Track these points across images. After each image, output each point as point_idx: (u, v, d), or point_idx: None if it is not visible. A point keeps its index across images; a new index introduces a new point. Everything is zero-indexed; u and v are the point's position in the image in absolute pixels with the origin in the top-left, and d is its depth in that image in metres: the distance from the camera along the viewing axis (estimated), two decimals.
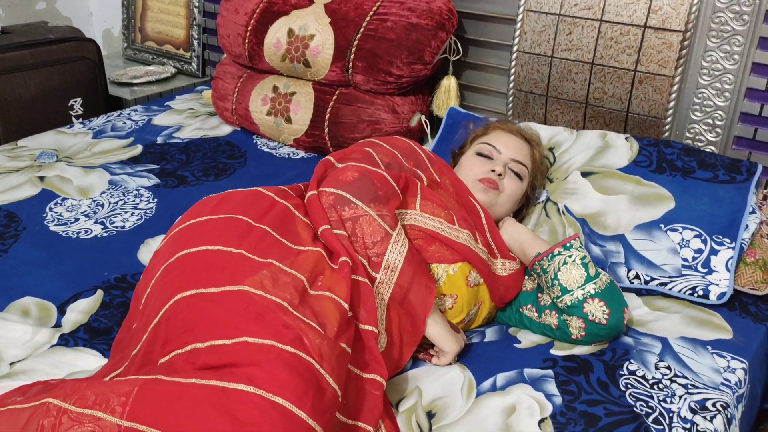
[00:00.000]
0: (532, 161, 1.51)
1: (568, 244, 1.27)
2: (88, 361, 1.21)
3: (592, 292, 1.23)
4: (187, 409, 0.90)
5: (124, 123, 2.22)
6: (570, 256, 1.26)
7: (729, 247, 1.43)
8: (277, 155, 2.08)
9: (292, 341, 0.97)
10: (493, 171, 1.42)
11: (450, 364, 1.22)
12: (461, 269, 1.28)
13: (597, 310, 1.22)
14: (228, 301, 1.03)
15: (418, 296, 1.19)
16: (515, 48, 1.90)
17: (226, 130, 2.22)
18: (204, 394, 0.91)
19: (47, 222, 1.64)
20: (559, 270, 1.25)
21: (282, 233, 1.18)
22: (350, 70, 1.96)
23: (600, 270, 1.27)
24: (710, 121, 1.73)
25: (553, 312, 1.28)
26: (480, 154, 1.47)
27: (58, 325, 1.30)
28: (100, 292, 1.39)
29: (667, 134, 1.76)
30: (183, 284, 1.07)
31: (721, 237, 1.44)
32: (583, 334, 1.23)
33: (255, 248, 1.13)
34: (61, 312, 1.33)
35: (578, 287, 1.23)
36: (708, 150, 1.73)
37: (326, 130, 2.02)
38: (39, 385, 1.11)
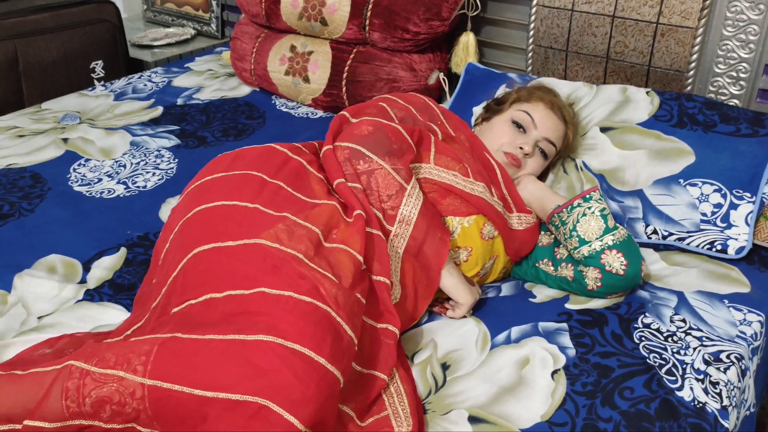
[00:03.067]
0: (563, 142, 1.48)
1: (587, 196, 1.27)
2: (113, 316, 1.24)
3: (611, 243, 1.23)
4: (207, 363, 0.92)
5: (145, 85, 2.24)
6: (589, 208, 1.26)
7: (749, 202, 1.41)
8: (296, 115, 2.09)
9: (308, 291, 0.99)
10: (521, 149, 1.39)
11: (465, 316, 1.24)
12: (476, 222, 1.29)
13: (614, 261, 1.22)
14: (245, 254, 1.05)
15: (432, 248, 1.20)
16: (534, 2, 1.86)
17: (245, 90, 2.23)
18: (223, 346, 0.93)
19: (71, 182, 1.67)
20: (578, 221, 1.25)
21: (296, 188, 1.20)
22: (367, 28, 1.95)
23: (618, 224, 1.27)
24: (734, 73, 1.69)
25: (569, 264, 1.29)
26: (515, 123, 1.42)
27: (83, 281, 1.34)
28: (123, 250, 1.43)
29: (689, 88, 1.73)
30: (200, 238, 1.09)
31: (741, 191, 1.42)
32: (599, 285, 1.24)
33: (270, 203, 1.14)
34: (86, 269, 1.37)
35: (596, 238, 1.23)
36: (731, 103, 1.70)
37: (344, 89, 2.01)
38: (66, 337, 1.15)
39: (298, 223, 1.12)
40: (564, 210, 1.28)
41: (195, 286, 1.04)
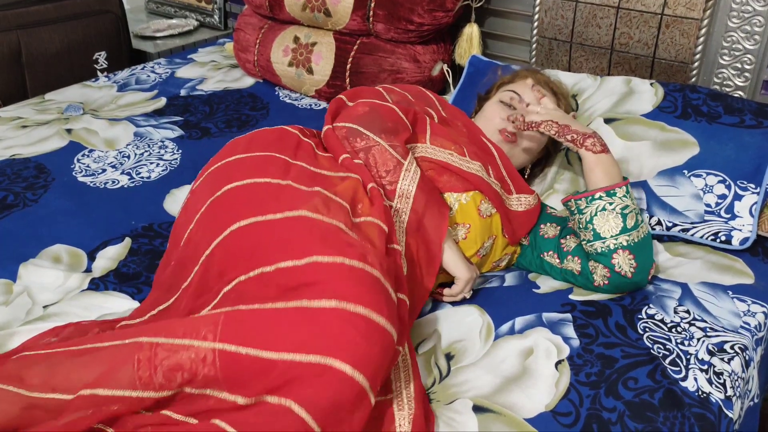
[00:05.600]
0: None
1: (612, 191, 1.24)
2: (118, 304, 1.25)
3: (624, 243, 1.22)
4: (275, 327, 0.93)
5: (148, 76, 2.24)
6: (611, 204, 1.24)
7: (753, 193, 1.41)
8: (299, 106, 2.09)
9: (358, 257, 0.99)
10: (513, 123, 1.41)
11: (464, 296, 1.24)
12: (473, 198, 1.30)
13: (625, 263, 1.21)
14: (291, 225, 1.05)
15: (432, 222, 1.21)
16: None
17: (248, 82, 2.23)
18: (290, 312, 0.94)
19: (75, 173, 1.67)
20: (595, 215, 1.24)
21: (314, 167, 1.22)
22: (371, 19, 1.94)
23: (641, 221, 1.25)
24: (739, 65, 1.68)
25: (576, 258, 1.28)
26: (503, 103, 1.46)
27: (88, 270, 1.34)
28: (128, 240, 1.43)
29: (694, 80, 1.73)
30: (236, 215, 1.09)
31: (745, 182, 1.42)
32: (605, 282, 1.24)
33: (299, 180, 1.16)
34: (91, 258, 1.37)
35: (611, 236, 1.22)
36: (736, 95, 1.69)
37: (347, 80, 2.01)
38: (71, 326, 1.16)
39: (330, 197, 1.13)
40: (583, 199, 1.26)
41: (241, 262, 1.04)
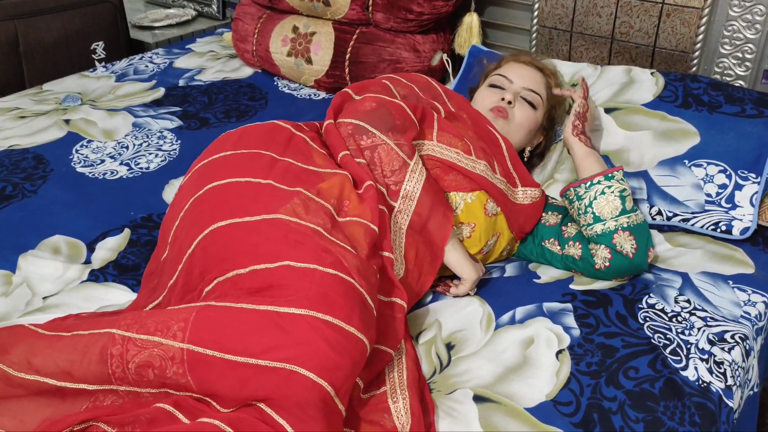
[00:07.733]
0: (546, 89, 1.48)
1: (610, 175, 1.27)
2: (117, 296, 1.25)
3: (625, 225, 1.23)
4: (243, 331, 0.93)
5: (146, 66, 2.22)
6: (609, 187, 1.26)
7: (754, 182, 1.41)
8: (299, 96, 2.08)
9: (332, 264, 1.00)
10: (503, 99, 1.41)
11: (468, 294, 1.24)
12: (479, 198, 1.29)
13: (626, 243, 1.22)
14: (266, 229, 1.05)
15: (436, 224, 1.21)
16: None
17: (247, 72, 2.22)
18: (258, 317, 0.94)
19: (74, 164, 1.67)
20: (595, 199, 1.26)
21: (303, 163, 1.20)
22: (370, 8, 1.93)
23: (636, 206, 1.28)
24: (740, 54, 1.68)
25: (577, 243, 1.29)
26: (492, 86, 1.46)
27: (87, 261, 1.34)
28: (127, 231, 1.43)
29: (694, 69, 1.72)
30: (216, 215, 1.09)
31: (746, 172, 1.42)
32: (607, 264, 1.24)
33: (282, 179, 1.15)
34: (90, 249, 1.37)
35: (611, 218, 1.24)
36: (737, 84, 1.69)
37: (347, 70, 2.00)
38: (71, 318, 1.15)
39: (312, 198, 1.12)
40: (582, 185, 1.28)
41: (215, 263, 1.05)
